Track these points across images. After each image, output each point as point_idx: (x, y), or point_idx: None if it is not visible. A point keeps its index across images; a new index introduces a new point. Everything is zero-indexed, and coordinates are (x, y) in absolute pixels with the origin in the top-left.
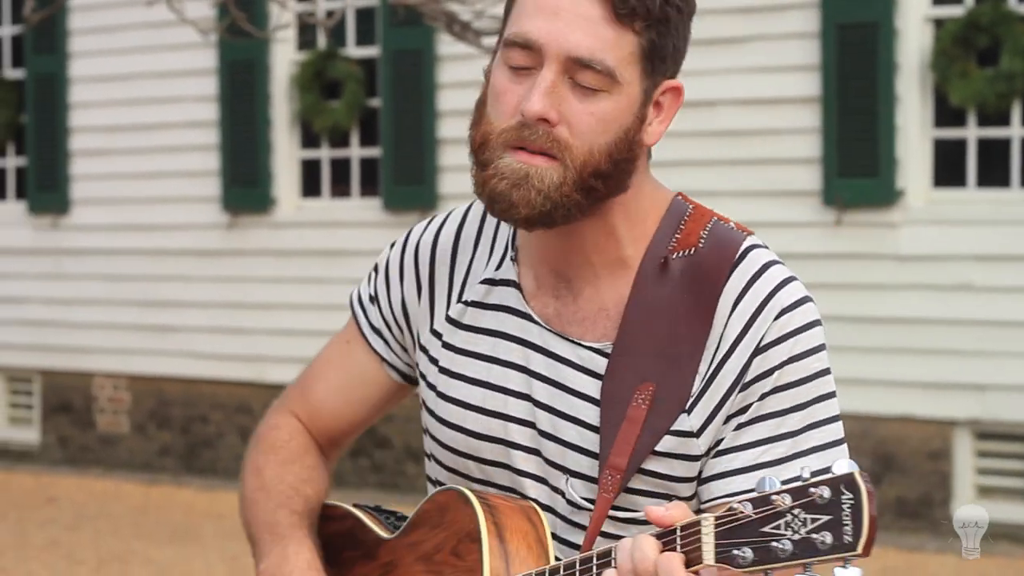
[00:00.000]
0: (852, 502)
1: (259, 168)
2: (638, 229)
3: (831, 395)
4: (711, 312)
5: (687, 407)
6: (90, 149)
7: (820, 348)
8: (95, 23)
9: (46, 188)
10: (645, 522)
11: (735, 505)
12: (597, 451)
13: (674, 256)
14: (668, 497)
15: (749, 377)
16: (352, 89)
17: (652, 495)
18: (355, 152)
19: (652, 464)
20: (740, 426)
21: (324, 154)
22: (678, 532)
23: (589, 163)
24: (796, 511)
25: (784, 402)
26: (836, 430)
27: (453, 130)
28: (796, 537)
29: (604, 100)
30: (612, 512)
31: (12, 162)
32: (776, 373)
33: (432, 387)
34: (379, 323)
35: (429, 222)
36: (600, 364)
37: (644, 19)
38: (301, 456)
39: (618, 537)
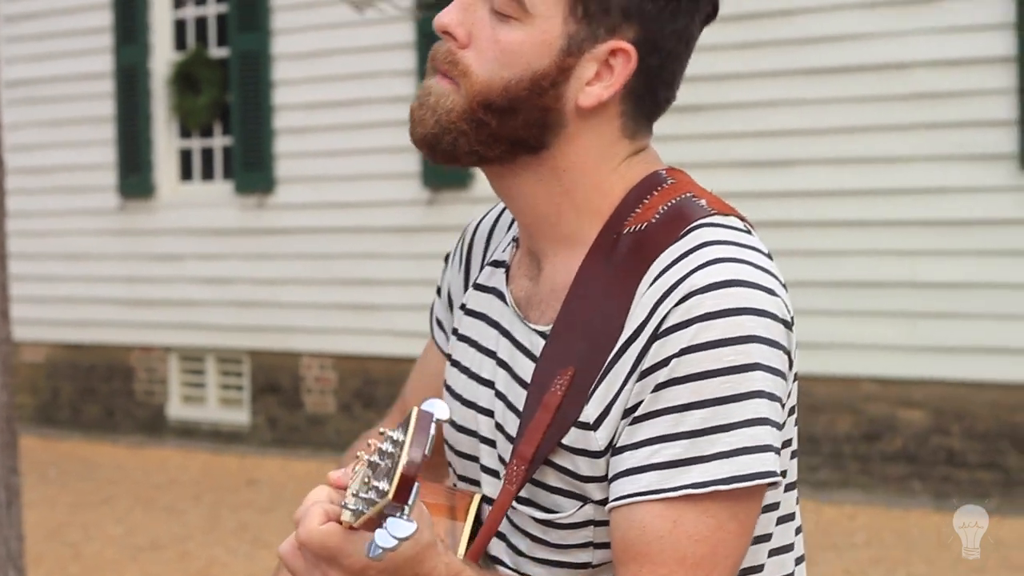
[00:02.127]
0: (402, 441)
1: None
2: (597, 203)
3: (755, 395)
4: (634, 288)
5: (588, 395)
6: (293, 127)
7: (745, 340)
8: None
9: (252, 167)
10: (561, 526)
11: (360, 454)
12: None
13: (626, 232)
14: (581, 499)
15: (646, 365)
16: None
17: (564, 494)
18: (217, 141)
19: (558, 457)
20: (635, 421)
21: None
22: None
23: (482, 94)
24: (384, 455)
25: (681, 396)
26: (757, 435)
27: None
28: (375, 484)
29: (514, 29)
30: (520, 507)
31: (219, 142)
32: (673, 362)
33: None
34: (441, 314)
35: (491, 209)
36: (540, 348)
37: None
38: None
39: (532, 537)
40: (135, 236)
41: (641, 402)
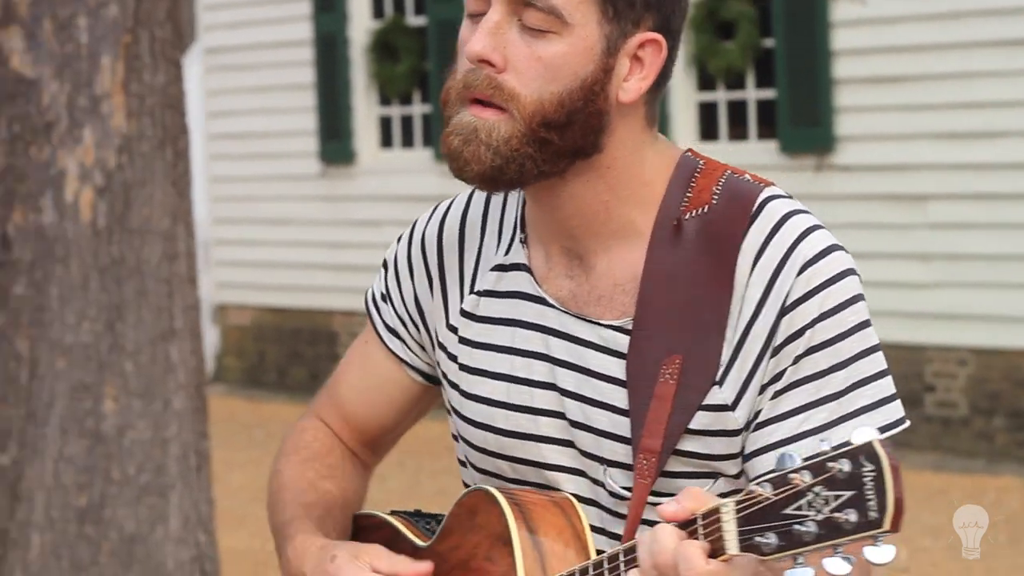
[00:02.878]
0: (874, 474)
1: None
2: (642, 193)
3: (875, 349)
4: (731, 272)
5: (718, 379)
6: None
7: (855, 299)
8: None
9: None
10: None
11: (753, 488)
12: (629, 436)
13: (687, 217)
14: (713, 476)
15: (779, 340)
16: (746, 29)
17: (694, 476)
18: (751, 94)
19: (688, 444)
20: (777, 394)
21: (720, 96)
22: (699, 521)
23: (539, 113)
24: (817, 489)
25: (821, 363)
26: (886, 386)
27: (849, 69)
28: (820, 518)
29: (554, 43)
30: (653, 499)
31: (418, 109)
32: (808, 332)
33: (455, 386)
34: (394, 322)
35: (433, 211)
36: (623, 343)
37: None
38: (323, 455)
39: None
40: (336, 202)
41: (780, 375)
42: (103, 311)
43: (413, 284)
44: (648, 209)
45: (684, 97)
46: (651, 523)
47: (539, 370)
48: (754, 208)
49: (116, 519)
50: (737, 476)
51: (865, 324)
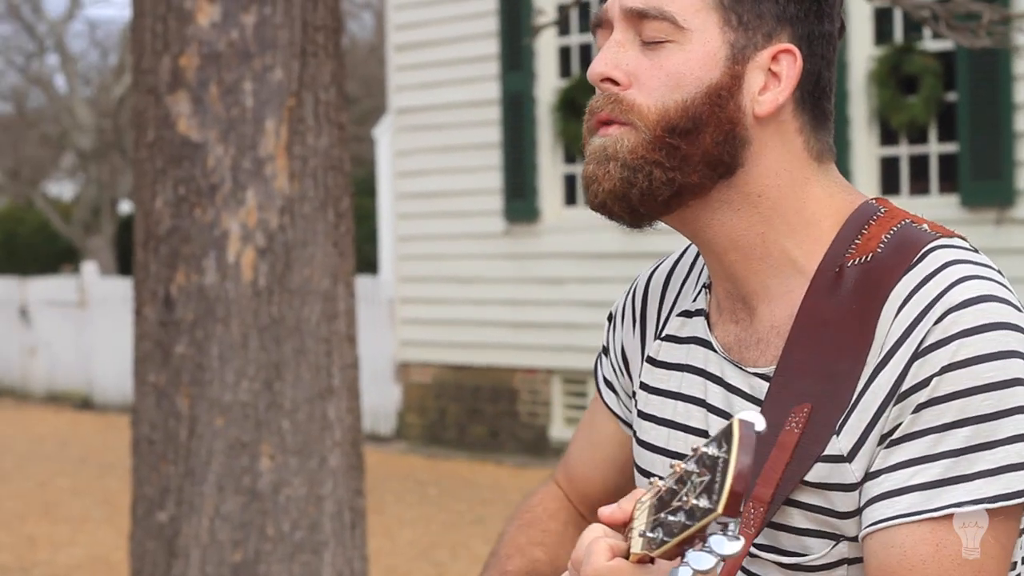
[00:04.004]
0: (726, 454)
1: (838, 166)
2: (804, 231)
3: (1018, 410)
4: (875, 320)
5: (836, 427)
6: None
7: (1004, 355)
8: None
9: None
10: (811, 568)
11: (654, 480)
12: None
13: (850, 264)
14: (833, 537)
15: (905, 387)
16: (929, 83)
17: (813, 534)
18: (933, 148)
19: (804, 495)
20: (892, 444)
21: (903, 151)
22: (632, 519)
23: (663, 120)
24: (695, 475)
25: (944, 415)
26: (1019, 451)
27: None
28: (688, 506)
29: (673, 52)
30: (761, 553)
31: None
32: (934, 382)
33: (634, 432)
34: (610, 375)
35: (657, 263)
36: (764, 390)
37: None
38: (543, 520)
39: None
40: (520, 260)
41: (899, 425)
42: (262, 370)
43: (622, 332)
44: (812, 250)
45: (866, 152)
46: (753, 575)
47: (696, 416)
48: (917, 256)
49: (270, 575)
50: (857, 539)
51: (1009, 384)
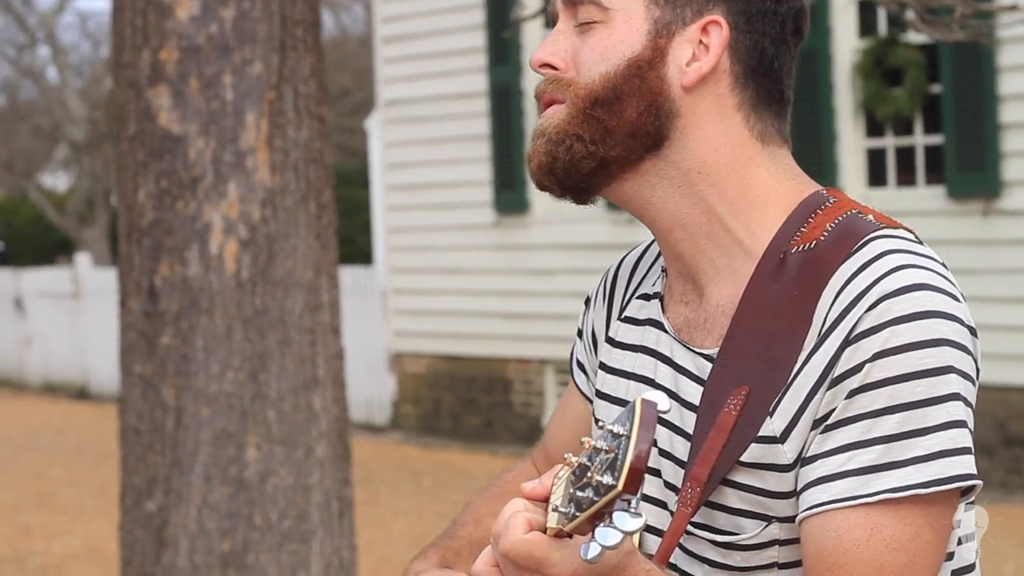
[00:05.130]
0: (627, 432)
1: (824, 158)
2: (752, 213)
3: (951, 397)
4: (814, 305)
5: (770, 409)
6: None
7: (936, 343)
8: None
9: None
10: (744, 547)
11: (567, 455)
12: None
13: (794, 251)
14: (765, 518)
15: (837, 372)
16: (914, 75)
17: (746, 514)
18: (919, 140)
19: (739, 475)
20: (827, 429)
21: (888, 142)
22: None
23: (589, 94)
24: (602, 452)
25: (876, 402)
26: (953, 438)
27: (1016, 114)
28: (594, 482)
29: (599, 31)
30: (697, 531)
31: None
32: (866, 368)
33: (593, 411)
34: (582, 356)
35: (634, 248)
36: (708, 371)
37: None
38: (512, 493)
39: (711, 563)
40: (510, 251)
41: (833, 410)
42: (246, 361)
43: (594, 314)
44: (758, 233)
45: (852, 143)
46: (689, 552)
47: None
48: (857, 244)
49: (259, 565)
50: (791, 519)
51: (940, 371)
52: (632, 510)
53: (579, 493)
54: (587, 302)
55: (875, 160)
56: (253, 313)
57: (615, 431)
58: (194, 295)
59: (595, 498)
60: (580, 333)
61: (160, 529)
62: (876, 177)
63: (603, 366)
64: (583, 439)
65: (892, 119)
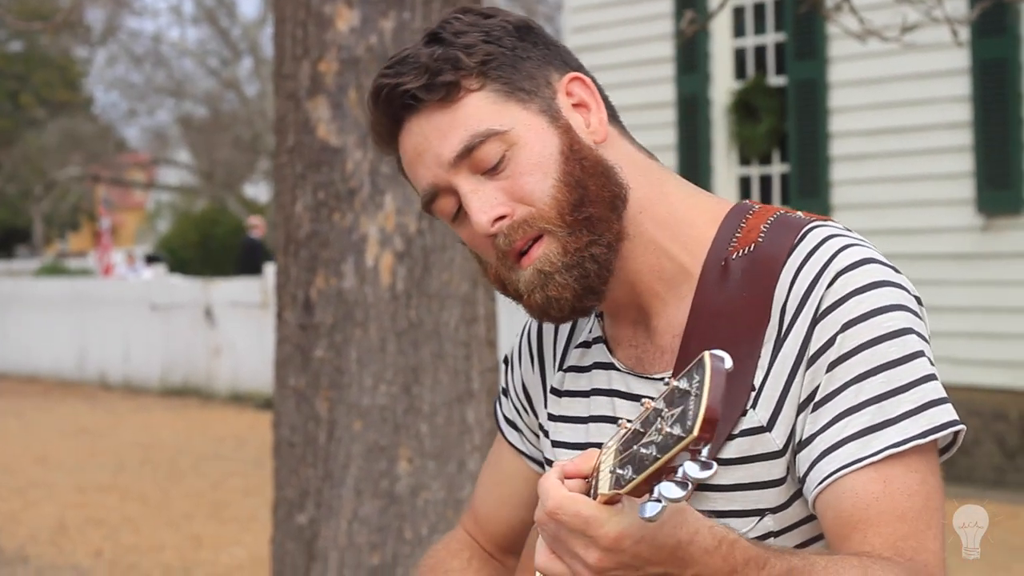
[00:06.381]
0: (699, 383)
1: (1012, 169)
2: (685, 235)
3: (916, 355)
4: (769, 301)
5: (750, 404)
6: (849, 154)
7: (893, 308)
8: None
9: (808, 195)
10: None
11: (622, 420)
12: None
13: (734, 256)
14: (757, 512)
15: (812, 351)
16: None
17: (734, 514)
18: (775, 168)
19: (724, 477)
20: (816, 406)
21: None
22: (594, 469)
23: (560, 205)
24: (664, 411)
25: (855, 368)
26: (932, 390)
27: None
28: (659, 439)
29: (514, 155)
30: None
31: (776, 169)
32: (839, 339)
33: (551, 463)
34: (512, 414)
35: None
36: None
37: (468, 78)
38: (446, 560)
39: None
40: None
41: (817, 387)
42: (400, 374)
43: (521, 371)
44: (695, 250)
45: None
46: None
47: (608, 432)
48: (798, 236)
49: None
50: (783, 507)
51: (904, 332)
52: (703, 459)
53: (642, 450)
54: (506, 361)
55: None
56: (407, 326)
57: (680, 387)
58: (349, 308)
59: (659, 454)
60: (505, 392)
61: (311, 542)
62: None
63: (552, 417)
64: (643, 401)
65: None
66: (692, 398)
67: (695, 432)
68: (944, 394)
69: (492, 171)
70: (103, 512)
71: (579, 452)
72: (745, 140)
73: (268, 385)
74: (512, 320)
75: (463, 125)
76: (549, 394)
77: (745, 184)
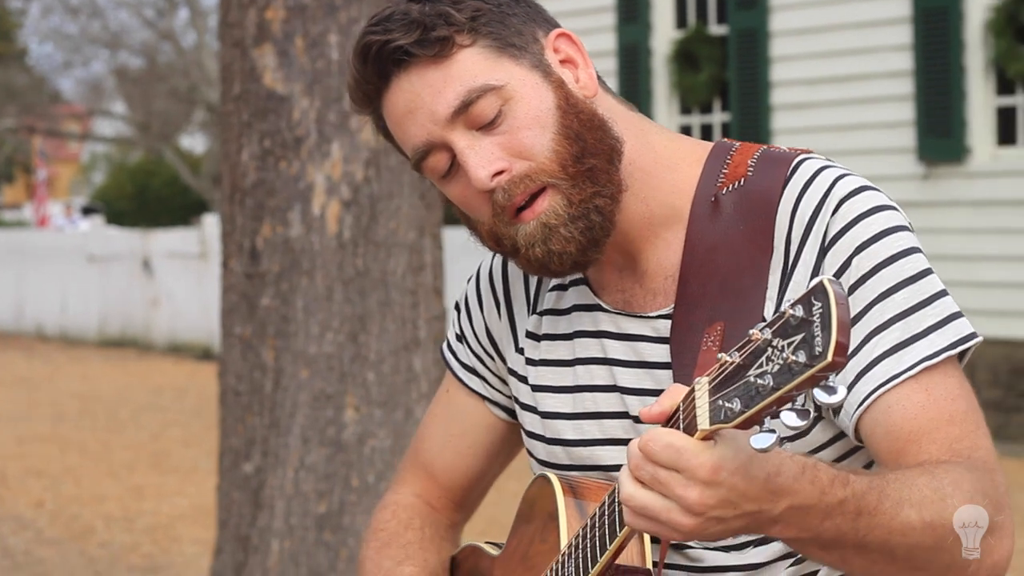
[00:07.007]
0: (821, 311)
1: (953, 117)
2: (672, 177)
3: (928, 272)
4: (770, 233)
5: None
6: (790, 103)
7: (897, 228)
8: None
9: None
10: None
11: (721, 355)
12: None
13: (724, 192)
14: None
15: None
16: None
17: None
18: None
19: None
20: None
21: (1020, 100)
22: (680, 409)
23: (561, 157)
24: (775, 341)
25: (877, 287)
26: (949, 304)
27: None
28: (775, 368)
29: (512, 110)
30: None
31: (718, 118)
32: (855, 261)
33: (530, 408)
34: (471, 360)
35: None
36: (669, 327)
37: (460, 33)
38: (401, 533)
39: None
40: None
41: None
42: (346, 322)
43: (483, 316)
44: (684, 190)
45: (982, 102)
46: None
47: (599, 374)
48: (789, 170)
49: (355, 526)
50: (802, 435)
51: (913, 250)
52: (831, 384)
53: (758, 381)
54: (457, 307)
55: (1005, 118)
56: (354, 274)
57: (797, 314)
58: (295, 256)
59: (780, 383)
60: (460, 338)
61: (257, 491)
62: (1006, 135)
63: (532, 361)
64: (750, 331)
65: (1023, 77)
66: (816, 325)
67: (829, 357)
68: (958, 308)
69: (488, 127)
70: (43, 463)
71: (564, 393)
72: (686, 89)
73: (207, 336)
74: (456, 268)
75: (458, 80)
76: (525, 338)
77: (686, 133)
